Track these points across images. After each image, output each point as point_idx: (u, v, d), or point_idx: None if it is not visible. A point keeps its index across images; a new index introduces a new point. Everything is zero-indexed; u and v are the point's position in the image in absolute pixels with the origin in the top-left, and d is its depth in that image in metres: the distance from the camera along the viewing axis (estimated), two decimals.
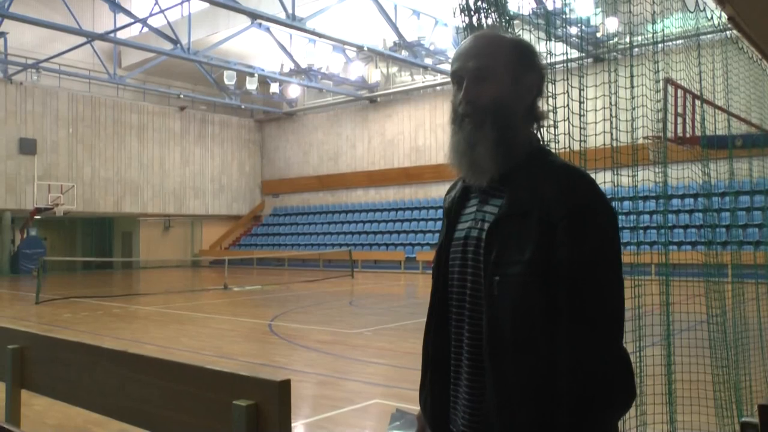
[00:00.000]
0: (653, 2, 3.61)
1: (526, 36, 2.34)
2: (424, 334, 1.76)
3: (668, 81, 6.30)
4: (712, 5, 4.00)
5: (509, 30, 2.26)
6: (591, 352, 1.41)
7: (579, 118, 2.57)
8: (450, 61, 1.66)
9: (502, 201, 1.55)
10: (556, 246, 1.43)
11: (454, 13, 2.26)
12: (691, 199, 20.86)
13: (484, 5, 2.14)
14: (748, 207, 20.30)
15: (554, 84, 2.27)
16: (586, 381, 1.40)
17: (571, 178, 1.50)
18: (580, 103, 2.68)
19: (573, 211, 1.44)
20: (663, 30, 3.84)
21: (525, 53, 1.62)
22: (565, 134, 2.21)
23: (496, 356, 1.51)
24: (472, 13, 2.15)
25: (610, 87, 3.20)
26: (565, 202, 1.44)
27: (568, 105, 2.23)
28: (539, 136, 1.64)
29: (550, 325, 1.44)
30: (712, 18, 4.59)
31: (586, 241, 1.43)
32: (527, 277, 1.46)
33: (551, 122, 2.16)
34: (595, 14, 20.87)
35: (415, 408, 1.91)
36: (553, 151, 1.68)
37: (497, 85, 1.58)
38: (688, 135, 7.13)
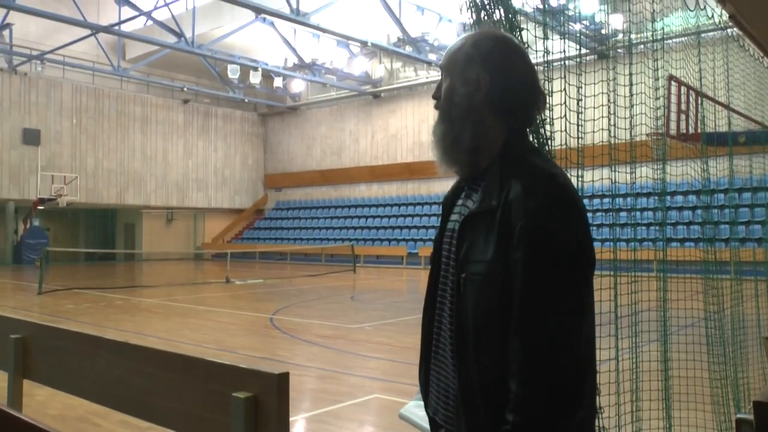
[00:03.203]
0: (653, 1, 3.62)
1: (527, 33, 2.35)
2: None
3: (672, 78, 6.30)
4: (713, 3, 4.00)
5: (514, 27, 2.27)
6: (536, 358, 1.38)
7: (577, 115, 2.59)
8: None
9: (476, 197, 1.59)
10: (513, 248, 1.43)
11: (461, 10, 2.27)
12: (693, 196, 20.86)
13: (490, 1, 2.15)
14: (751, 204, 20.29)
15: (551, 81, 2.29)
16: (530, 385, 1.38)
17: (534, 179, 1.48)
18: (578, 100, 2.69)
19: (529, 214, 1.42)
20: (663, 28, 3.85)
21: (477, 48, 1.62)
22: (561, 131, 2.23)
23: (459, 352, 1.54)
24: (480, 8, 2.15)
25: (608, 84, 3.21)
26: (523, 204, 1.43)
27: (565, 102, 2.25)
28: (520, 134, 1.61)
29: (506, 327, 1.44)
30: (712, 16, 4.60)
31: (537, 245, 1.41)
32: (488, 277, 1.47)
33: (547, 119, 2.18)
34: (600, 11, 20.83)
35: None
36: (542, 149, 1.67)
37: (449, 80, 1.65)
38: (691, 132, 7.13)
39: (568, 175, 2.12)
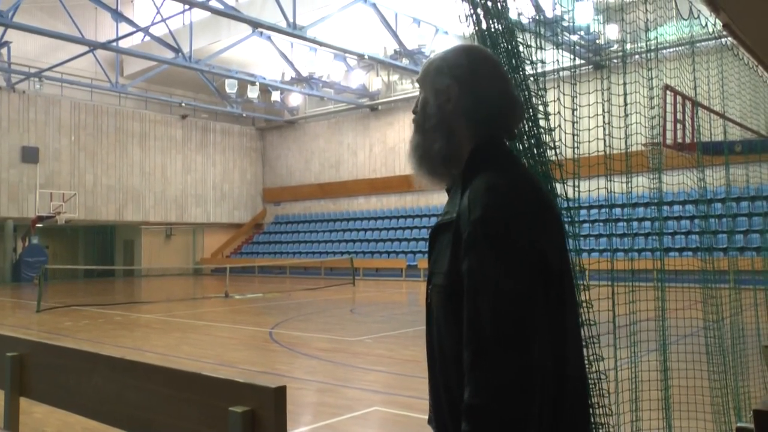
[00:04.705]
0: (646, 10, 3.63)
1: (524, 43, 2.35)
2: None
3: (667, 87, 6.33)
4: (707, 12, 4.02)
5: (513, 37, 2.27)
6: (480, 367, 1.36)
7: (572, 125, 2.59)
8: None
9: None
10: (461, 260, 1.44)
11: (460, 19, 2.27)
12: (691, 206, 20.89)
13: (488, 12, 2.15)
14: (748, 213, 20.31)
15: (545, 91, 2.29)
16: (476, 396, 1.35)
17: (478, 191, 1.47)
18: (573, 110, 2.70)
19: (470, 226, 1.43)
20: (657, 38, 3.86)
21: (446, 60, 1.65)
22: (556, 144, 2.23)
23: (429, 366, 1.57)
24: (480, 19, 2.14)
25: (603, 94, 3.22)
26: (467, 216, 1.44)
27: (560, 112, 2.25)
28: (489, 143, 1.59)
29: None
30: (706, 25, 4.62)
31: (476, 256, 1.41)
32: (447, 288, 1.48)
33: (536, 130, 2.18)
34: (594, 21, 20.91)
35: (413, 414, 1.92)
36: (517, 158, 1.63)
37: (423, 93, 1.68)
38: (687, 141, 7.16)
39: (560, 185, 2.11)
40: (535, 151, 2.20)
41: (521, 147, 2.16)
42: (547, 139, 2.30)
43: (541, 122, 2.30)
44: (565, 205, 2.31)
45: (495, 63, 1.66)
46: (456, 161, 1.61)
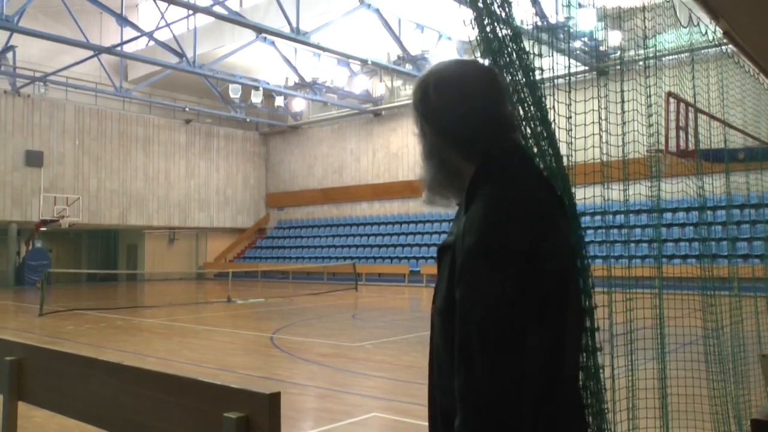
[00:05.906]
0: (644, 18, 3.64)
1: (530, 48, 2.34)
2: None
3: (670, 94, 6.33)
4: (707, 20, 4.02)
5: (518, 42, 2.26)
6: (469, 393, 1.36)
7: (566, 132, 2.59)
8: None
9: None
10: (455, 284, 1.43)
11: (464, 23, 2.25)
12: (695, 213, 20.84)
13: (494, 18, 2.14)
14: (750, 220, 20.27)
15: (544, 98, 2.29)
16: (462, 415, 1.36)
17: (477, 214, 1.44)
18: (568, 118, 2.70)
19: (466, 249, 1.41)
20: (656, 45, 3.86)
21: (416, 94, 1.63)
22: (550, 152, 2.22)
23: (429, 380, 1.61)
24: (485, 24, 2.13)
25: (599, 101, 3.22)
26: (464, 239, 1.42)
27: (555, 120, 2.25)
28: (491, 160, 1.54)
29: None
30: (706, 33, 4.62)
31: (466, 283, 1.39)
32: (444, 310, 1.48)
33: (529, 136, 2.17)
34: (597, 29, 20.94)
35: (412, 420, 1.92)
36: (513, 176, 1.57)
37: (414, 116, 1.66)
38: (690, 148, 7.15)
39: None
40: (551, 151, 2.17)
41: (536, 149, 2.13)
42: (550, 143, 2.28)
43: (551, 125, 2.28)
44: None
45: (474, 81, 1.58)
46: (455, 184, 1.60)
